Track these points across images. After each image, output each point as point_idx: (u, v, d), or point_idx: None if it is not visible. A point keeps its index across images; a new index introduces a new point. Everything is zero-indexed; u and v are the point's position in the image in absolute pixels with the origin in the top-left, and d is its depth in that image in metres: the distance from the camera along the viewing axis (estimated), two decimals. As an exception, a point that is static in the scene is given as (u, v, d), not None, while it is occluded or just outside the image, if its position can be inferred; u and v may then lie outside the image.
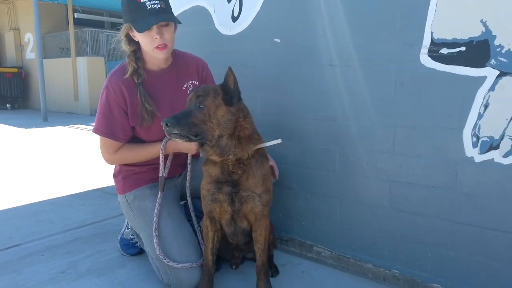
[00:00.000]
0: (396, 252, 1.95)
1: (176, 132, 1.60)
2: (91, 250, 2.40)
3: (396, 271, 1.96)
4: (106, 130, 1.94)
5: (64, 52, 12.43)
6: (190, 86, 2.11)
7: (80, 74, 11.51)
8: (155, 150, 1.98)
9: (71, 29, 11.41)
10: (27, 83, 13.10)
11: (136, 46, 1.97)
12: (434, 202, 1.81)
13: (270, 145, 1.76)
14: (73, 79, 11.63)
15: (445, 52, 1.71)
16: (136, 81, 1.94)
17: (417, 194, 1.85)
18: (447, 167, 1.75)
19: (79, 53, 11.69)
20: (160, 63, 2.01)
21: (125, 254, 2.31)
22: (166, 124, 1.59)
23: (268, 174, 1.83)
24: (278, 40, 2.23)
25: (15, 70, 12.71)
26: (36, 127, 8.57)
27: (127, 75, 1.93)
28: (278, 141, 1.67)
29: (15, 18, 13.40)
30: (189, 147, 1.95)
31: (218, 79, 2.40)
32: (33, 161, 5.18)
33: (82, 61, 11.42)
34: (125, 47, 1.98)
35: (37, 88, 11.05)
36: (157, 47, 1.87)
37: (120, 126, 1.96)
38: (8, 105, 12.48)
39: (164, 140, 1.97)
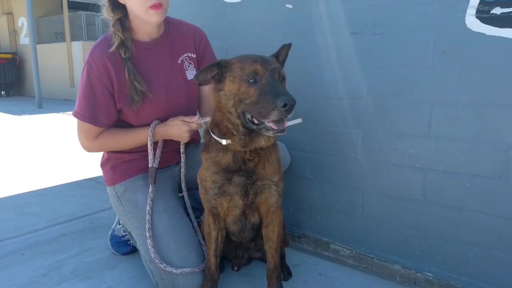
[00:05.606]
0: (430, 252, 1.68)
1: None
2: (79, 248, 2.13)
3: (430, 274, 1.69)
4: (87, 114, 1.66)
5: (59, 37, 12.03)
6: (186, 59, 1.81)
7: (76, 59, 11.14)
8: (141, 136, 1.70)
9: (66, 13, 11.01)
10: (22, 69, 12.73)
11: (121, 14, 1.66)
12: (479, 194, 1.52)
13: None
14: (68, 65, 11.27)
15: (498, 13, 1.41)
16: (123, 56, 1.64)
17: (458, 185, 1.56)
18: (497, 152, 1.46)
19: (74, 37, 11.31)
20: (151, 31, 1.71)
21: (116, 253, 2.04)
22: (292, 105, 1.22)
23: (280, 156, 1.58)
24: (291, 6, 1.92)
25: (9, 56, 12.30)
26: (30, 114, 8.26)
27: (112, 48, 1.63)
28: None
29: (8, 2, 12.95)
30: (181, 133, 1.67)
31: (221, 53, 2.10)
32: (24, 149, 4.90)
33: (77, 46, 11.05)
34: (107, 15, 1.68)
35: (32, 74, 10.71)
36: (152, 7, 1.56)
37: (103, 109, 1.67)
38: (2, 92, 12.13)
39: (152, 125, 1.69)
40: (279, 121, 1.28)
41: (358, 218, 1.88)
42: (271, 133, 1.30)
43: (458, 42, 1.49)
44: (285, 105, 1.21)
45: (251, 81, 1.31)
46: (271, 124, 1.28)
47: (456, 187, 1.57)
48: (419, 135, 1.63)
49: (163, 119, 1.75)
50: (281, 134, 1.30)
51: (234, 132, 1.40)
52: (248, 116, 1.34)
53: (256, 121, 1.33)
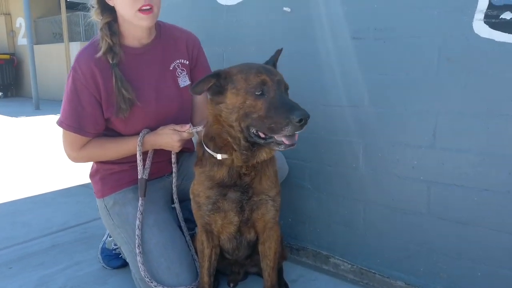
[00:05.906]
0: (435, 269, 1.60)
1: None
2: (69, 261, 2.05)
3: (435, 291, 1.61)
4: (72, 123, 1.58)
5: (57, 38, 11.94)
6: (178, 66, 1.73)
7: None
8: (129, 146, 1.62)
9: (63, 13, 10.90)
10: (20, 70, 12.62)
11: (111, 17, 1.59)
12: (487, 209, 1.44)
13: None
14: (66, 66, 11.16)
15: (508, 18, 1.33)
16: (110, 62, 1.55)
17: (465, 198, 1.48)
18: (506, 165, 1.38)
19: (72, 38, 11.21)
20: (141, 36, 1.63)
21: (107, 267, 1.96)
22: (307, 120, 1.15)
23: (277, 168, 1.49)
24: (288, 9, 1.84)
25: (7, 56, 12.21)
26: (27, 115, 8.17)
27: (99, 53, 1.55)
28: None
29: (6, 2, 12.86)
30: (172, 143, 1.58)
31: (216, 57, 2.02)
32: (19, 153, 4.82)
33: (75, 47, 10.93)
34: (96, 18, 1.61)
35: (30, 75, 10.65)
36: (141, 10, 1.48)
37: (90, 118, 1.59)
38: (0, 93, 12.05)
39: (141, 134, 1.60)
40: (291, 135, 1.20)
41: (359, 231, 1.80)
42: (282, 147, 1.22)
43: (465, 48, 1.41)
44: (300, 120, 1.13)
45: (257, 93, 1.22)
46: (282, 139, 1.20)
47: (462, 201, 1.49)
48: (423, 146, 1.55)
49: (154, 128, 1.66)
50: (291, 148, 1.22)
51: (235, 147, 1.30)
52: (253, 130, 1.24)
53: (262, 135, 1.24)
